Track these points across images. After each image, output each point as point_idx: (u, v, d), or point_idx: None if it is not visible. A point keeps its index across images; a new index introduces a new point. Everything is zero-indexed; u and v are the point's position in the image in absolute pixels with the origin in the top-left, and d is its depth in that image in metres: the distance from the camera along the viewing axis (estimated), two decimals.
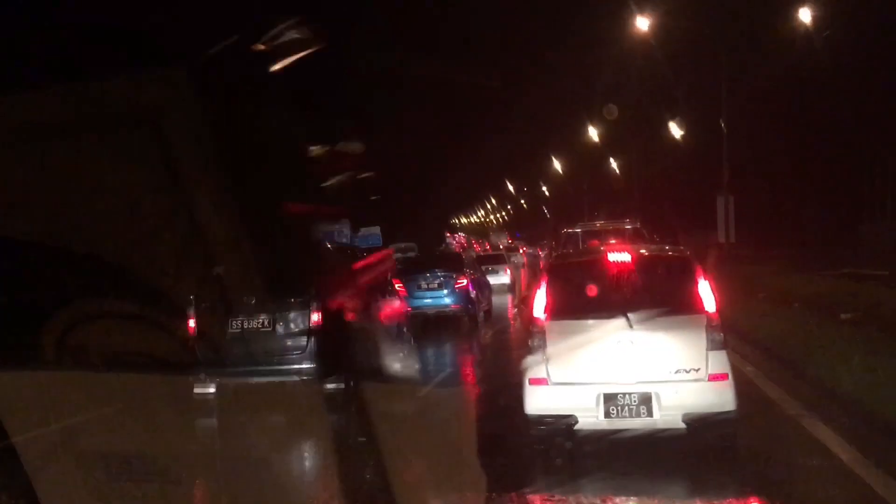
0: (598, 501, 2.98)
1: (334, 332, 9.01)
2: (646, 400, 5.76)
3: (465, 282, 16.33)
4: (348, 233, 27.02)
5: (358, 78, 34.97)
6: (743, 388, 5.71)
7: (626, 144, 43.04)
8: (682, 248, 7.99)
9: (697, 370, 5.77)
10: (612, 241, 15.44)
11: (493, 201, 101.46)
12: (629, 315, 5.90)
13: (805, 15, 24.14)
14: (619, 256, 6.40)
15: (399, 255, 22.03)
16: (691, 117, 32.81)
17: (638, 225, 17.46)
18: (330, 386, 8.93)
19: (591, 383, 5.90)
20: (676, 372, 5.80)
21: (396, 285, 12.84)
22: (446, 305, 16.10)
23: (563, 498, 2.99)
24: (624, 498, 2.90)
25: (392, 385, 10.34)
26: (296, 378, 8.88)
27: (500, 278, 25.88)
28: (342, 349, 9.13)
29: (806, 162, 34.12)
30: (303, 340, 8.83)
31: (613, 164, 47.37)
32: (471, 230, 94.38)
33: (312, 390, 8.83)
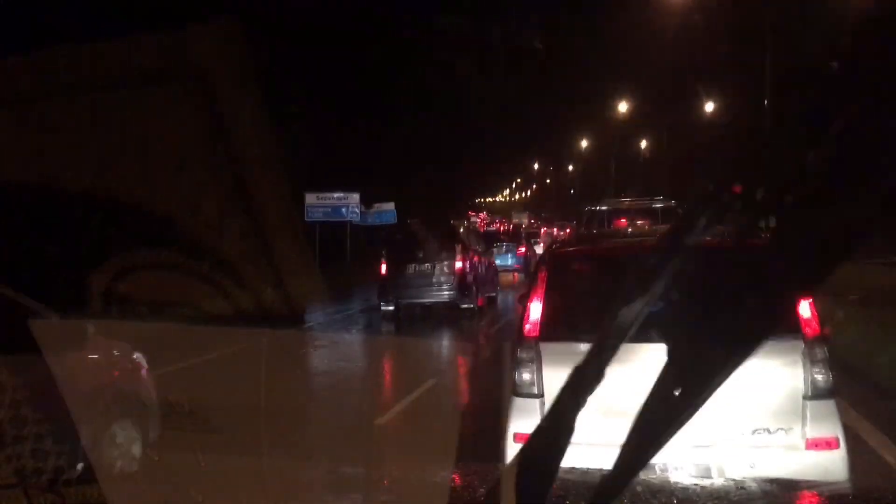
0: None
1: (467, 275, 15.39)
2: (702, 475, 3.66)
3: (524, 249, 22.85)
4: (358, 209, 25.67)
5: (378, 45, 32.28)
6: None
7: (657, 120, 41.69)
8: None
9: (788, 430, 3.82)
10: (640, 222, 13.74)
11: (518, 181, 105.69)
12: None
13: None
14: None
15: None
16: (733, 92, 31.19)
17: (672, 203, 15.70)
18: (464, 306, 15.43)
19: (614, 445, 3.35)
20: (754, 432, 3.85)
21: None
22: (511, 266, 22.69)
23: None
24: None
25: (497, 307, 17.40)
26: (445, 300, 15.46)
27: (540, 249, 32.38)
28: (471, 285, 15.54)
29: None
30: (449, 279, 15.25)
31: (643, 143, 47.32)
32: (496, 210, 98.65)
33: (453, 308, 15.50)
